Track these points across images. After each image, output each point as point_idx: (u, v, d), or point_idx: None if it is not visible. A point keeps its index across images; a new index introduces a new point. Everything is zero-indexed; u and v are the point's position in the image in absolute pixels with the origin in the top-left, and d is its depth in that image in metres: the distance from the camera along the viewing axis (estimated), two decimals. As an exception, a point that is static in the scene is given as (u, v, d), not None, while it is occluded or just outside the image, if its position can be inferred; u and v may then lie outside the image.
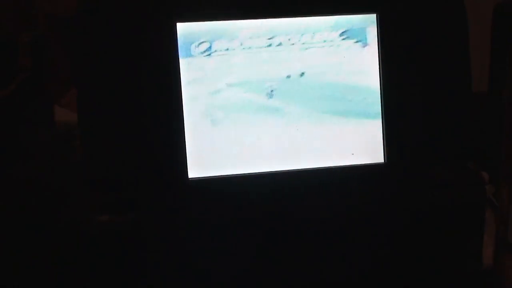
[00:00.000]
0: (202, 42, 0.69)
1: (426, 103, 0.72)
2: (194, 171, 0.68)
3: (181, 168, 0.67)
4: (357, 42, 0.71)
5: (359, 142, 0.71)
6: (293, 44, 0.70)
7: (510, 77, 0.65)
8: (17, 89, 0.94)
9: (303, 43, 0.70)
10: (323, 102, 0.71)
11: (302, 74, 0.71)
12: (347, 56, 0.71)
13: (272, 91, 0.70)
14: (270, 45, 0.70)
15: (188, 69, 0.68)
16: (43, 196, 0.75)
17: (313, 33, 0.70)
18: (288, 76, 0.70)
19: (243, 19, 0.69)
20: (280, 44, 0.70)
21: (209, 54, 0.69)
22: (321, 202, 0.69)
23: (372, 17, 0.71)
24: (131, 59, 0.67)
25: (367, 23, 0.71)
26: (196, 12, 0.68)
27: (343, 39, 0.71)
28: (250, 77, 0.70)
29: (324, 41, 0.70)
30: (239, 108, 0.69)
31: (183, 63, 0.68)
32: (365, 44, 0.71)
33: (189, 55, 0.69)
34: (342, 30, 0.71)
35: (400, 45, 0.71)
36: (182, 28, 0.68)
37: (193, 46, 0.69)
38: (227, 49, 0.69)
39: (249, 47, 0.70)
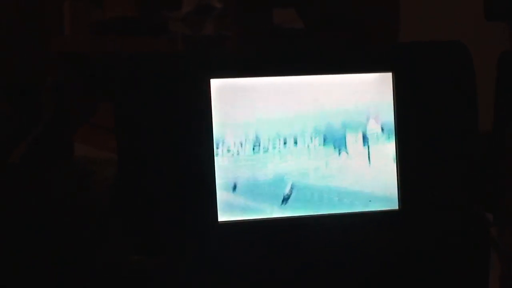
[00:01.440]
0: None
1: (437, 154, 0.75)
2: (224, 215, 0.72)
3: (212, 211, 0.71)
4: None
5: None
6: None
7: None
8: (42, 133, 0.97)
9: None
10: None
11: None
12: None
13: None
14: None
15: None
16: (77, 236, 0.78)
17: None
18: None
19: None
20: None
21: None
22: (342, 247, 0.73)
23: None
24: (167, 110, 0.72)
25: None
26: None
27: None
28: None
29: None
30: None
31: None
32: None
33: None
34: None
35: (413, 100, 0.75)
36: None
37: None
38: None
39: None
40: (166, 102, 0.71)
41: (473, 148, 0.75)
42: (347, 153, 0.74)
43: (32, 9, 1.35)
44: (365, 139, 0.74)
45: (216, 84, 0.72)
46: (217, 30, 1.46)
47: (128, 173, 0.71)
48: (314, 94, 0.74)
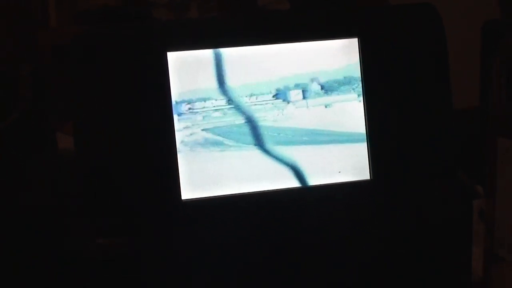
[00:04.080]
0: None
1: (409, 121, 0.73)
2: (187, 192, 0.70)
3: (174, 189, 0.69)
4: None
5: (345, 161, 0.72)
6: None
7: (494, 93, 0.67)
8: (18, 120, 0.96)
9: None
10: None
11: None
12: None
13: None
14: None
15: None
16: (48, 223, 0.76)
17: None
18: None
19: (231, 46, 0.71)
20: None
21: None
22: (310, 219, 0.70)
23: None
24: (125, 86, 0.69)
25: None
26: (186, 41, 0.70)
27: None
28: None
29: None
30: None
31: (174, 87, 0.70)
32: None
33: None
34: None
35: (381, 66, 0.73)
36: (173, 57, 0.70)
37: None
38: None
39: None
40: (122, 78, 0.69)
41: (447, 115, 0.73)
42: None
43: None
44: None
45: (173, 57, 0.70)
46: (202, 14, 1.44)
47: (86, 153, 0.69)
48: (275, 63, 0.72)
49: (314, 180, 0.72)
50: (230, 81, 0.71)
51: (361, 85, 0.73)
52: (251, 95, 0.72)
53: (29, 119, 0.99)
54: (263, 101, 0.72)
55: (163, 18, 1.49)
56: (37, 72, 1.06)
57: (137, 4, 1.55)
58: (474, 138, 0.93)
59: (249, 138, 0.72)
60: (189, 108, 0.70)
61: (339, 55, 0.73)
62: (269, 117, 0.72)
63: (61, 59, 1.15)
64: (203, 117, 0.71)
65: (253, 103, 0.72)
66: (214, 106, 0.71)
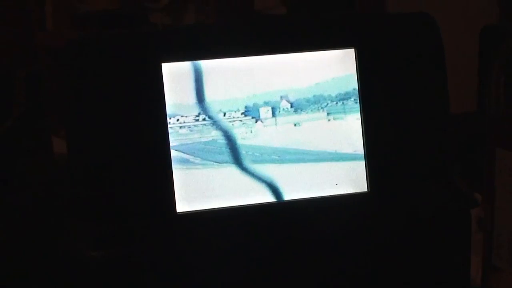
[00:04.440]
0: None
1: (406, 131, 0.72)
2: (182, 205, 0.69)
3: (169, 202, 0.68)
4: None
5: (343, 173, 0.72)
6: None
7: (492, 100, 0.66)
8: (13, 124, 0.95)
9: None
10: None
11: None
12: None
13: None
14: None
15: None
16: (42, 229, 0.76)
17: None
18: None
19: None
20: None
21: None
22: (308, 232, 0.70)
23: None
24: (118, 96, 0.68)
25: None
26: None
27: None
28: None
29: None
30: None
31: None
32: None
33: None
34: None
35: (378, 75, 0.72)
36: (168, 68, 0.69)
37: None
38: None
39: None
40: (115, 87, 0.68)
41: (445, 125, 0.73)
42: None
43: (15, 2, 1.33)
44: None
45: (168, 68, 0.69)
46: (198, 18, 1.44)
47: (78, 164, 0.68)
48: (270, 75, 0.71)
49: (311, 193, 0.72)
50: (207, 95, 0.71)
51: (357, 97, 0.72)
52: (228, 111, 0.71)
53: (24, 123, 0.98)
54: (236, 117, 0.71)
55: (159, 22, 1.49)
56: (33, 76, 1.05)
57: (134, 9, 1.55)
58: (472, 144, 0.93)
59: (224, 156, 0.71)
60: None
61: (335, 66, 0.72)
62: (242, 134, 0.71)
63: (55, 63, 1.15)
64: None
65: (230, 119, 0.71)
66: (184, 122, 0.70)
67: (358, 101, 0.72)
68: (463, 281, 0.73)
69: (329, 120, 0.72)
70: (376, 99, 0.72)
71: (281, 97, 0.71)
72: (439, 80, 0.73)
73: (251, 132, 0.71)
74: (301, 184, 0.71)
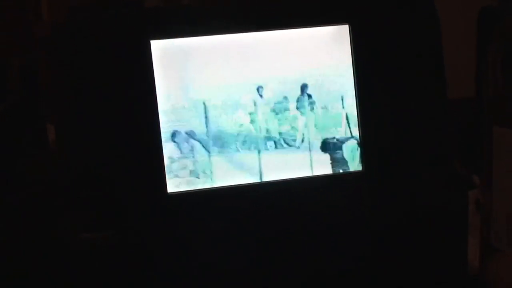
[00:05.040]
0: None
1: (401, 110, 0.72)
2: (172, 186, 0.69)
3: (160, 183, 0.67)
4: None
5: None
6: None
7: (490, 80, 0.65)
8: (6, 112, 0.95)
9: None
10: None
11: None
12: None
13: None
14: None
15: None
16: (36, 216, 0.75)
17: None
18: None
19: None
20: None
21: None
22: (301, 211, 0.69)
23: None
24: (108, 78, 0.68)
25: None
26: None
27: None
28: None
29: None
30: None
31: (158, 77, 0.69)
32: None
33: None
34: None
35: (373, 53, 0.71)
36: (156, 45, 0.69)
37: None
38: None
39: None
40: (104, 68, 0.67)
41: (442, 105, 0.72)
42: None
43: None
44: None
45: (157, 45, 0.68)
46: (193, 3, 1.42)
47: (69, 147, 0.67)
48: (263, 52, 0.71)
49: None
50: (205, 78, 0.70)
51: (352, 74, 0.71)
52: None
53: (19, 110, 0.98)
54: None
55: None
56: (28, 64, 1.05)
57: (130, -3, 1.54)
58: (469, 127, 0.92)
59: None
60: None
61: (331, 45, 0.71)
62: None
63: (45, 50, 1.14)
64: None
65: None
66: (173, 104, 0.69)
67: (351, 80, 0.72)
68: (460, 263, 0.73)
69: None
70: (371, 78, 0.71)
71: (286, 97, 0.72)
72: (435, 58, 0.72)
73: (247, 115, 0.71)
74: (291, 166, 0.72)
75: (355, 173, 0.72)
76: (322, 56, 0.72)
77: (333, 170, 0.73)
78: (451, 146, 0.73)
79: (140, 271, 0.67)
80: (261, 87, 0.72)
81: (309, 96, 0.73)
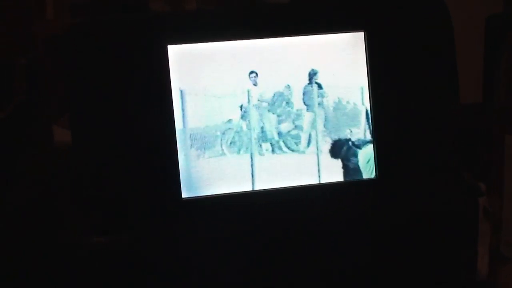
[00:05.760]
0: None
1: (415, 118, 0.71)
2: (187, 191, 0.68)
3: (174, 187, 0.67)
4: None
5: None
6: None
7: (499, 87, 0.65)
8: (13, 113, 0.94)
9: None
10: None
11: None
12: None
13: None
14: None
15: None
16: (43, 218, 0.75)
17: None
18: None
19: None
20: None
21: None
22: (315, 218, 0.69)
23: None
24: (123, 80, 0.67)
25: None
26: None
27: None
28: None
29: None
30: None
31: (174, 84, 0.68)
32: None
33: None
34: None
35: (388, 60, 0.71)
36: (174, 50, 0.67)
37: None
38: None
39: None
40: (120, 72, 0.67)
41: (454, 112, 0.72)
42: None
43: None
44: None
45: (174, 50, 0.67)
46: (200, 5, 1.42)
47: (83, 150, 0.67)
48: (277, 57, 0.67)
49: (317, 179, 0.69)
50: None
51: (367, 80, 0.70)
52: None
53: (24, 111, 0.98)
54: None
55: (159, 9, 1.47)
56: (32, 64, 1.05)
57: (134, -4, 1.53)
58: (473, 134, 0.92)
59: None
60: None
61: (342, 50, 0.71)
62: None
63: (56, 51, 1.14)
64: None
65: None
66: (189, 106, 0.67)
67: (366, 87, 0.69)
68: (469, 271, 0.72)
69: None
70: (386, 85, 0.70)
71: (288, 86, 0.68)
72: (449, 65, 0.72)
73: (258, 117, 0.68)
74: (307, 171, 0.69)
75: (368, 181, 0.70)
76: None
77: (344, 179, 0.68)
78: (462, 153, 0.73)
79: (152, 275, 0.67)
80: (254, 72, 0.66)
81: (319, 86, 0.67)
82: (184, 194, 0.67)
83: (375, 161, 0.69)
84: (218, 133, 0.67)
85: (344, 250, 0.69)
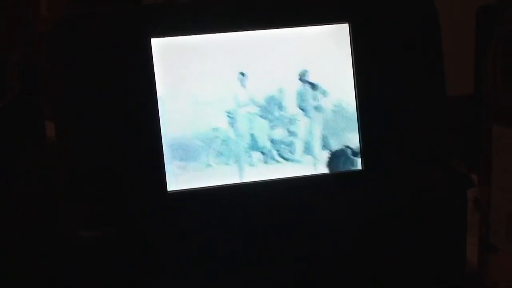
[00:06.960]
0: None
1: (401, 109, 0.72)
2: (173, 184, 0.67)
3: (160, 181, 0.67)
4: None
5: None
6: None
7: (490, 78, 0.66)
8: (5, 108, 0.94)
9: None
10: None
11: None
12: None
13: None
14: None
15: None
16: (35, 212, 0.75)
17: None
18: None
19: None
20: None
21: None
22: (302, 209, 0.69)
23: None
24: (108, 74, 0.67)
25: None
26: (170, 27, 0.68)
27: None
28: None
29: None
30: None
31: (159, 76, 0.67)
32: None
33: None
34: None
35: (373, 52, 0.71)
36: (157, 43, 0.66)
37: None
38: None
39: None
40: (104, 66, 0.66)
41: (441, 102, 0.72)
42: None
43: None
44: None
45: (157, 43, 0.65)
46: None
47: (69, 144, 0.67)
48: (264, 50, 0.66)
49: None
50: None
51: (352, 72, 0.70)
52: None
53: (18, 107, 0.98)
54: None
55: (153, 3, 1.47)
56: (26, 59, 1.04)
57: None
58: (467, 125, 0.92)
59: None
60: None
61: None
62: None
63: (45, 46, 1.14)
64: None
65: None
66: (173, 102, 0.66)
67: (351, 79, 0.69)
68: (459, 262, 0.73)
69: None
70: (371, 77, 0.71)
71: (279, 88, 0.66)
72: (435, 57, 0.72)
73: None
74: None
75: (355, 172, 0.69)
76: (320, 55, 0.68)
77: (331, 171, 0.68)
78: (450, 144, 0.73)
79: (138, 268, 0.67)
80: (243, 74, 0.62)
81: (313, 86, 0.64)
82: (170, 187, 0.66)
83: (360, 152, 0.68)
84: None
85: (331, 241, 0.69)
